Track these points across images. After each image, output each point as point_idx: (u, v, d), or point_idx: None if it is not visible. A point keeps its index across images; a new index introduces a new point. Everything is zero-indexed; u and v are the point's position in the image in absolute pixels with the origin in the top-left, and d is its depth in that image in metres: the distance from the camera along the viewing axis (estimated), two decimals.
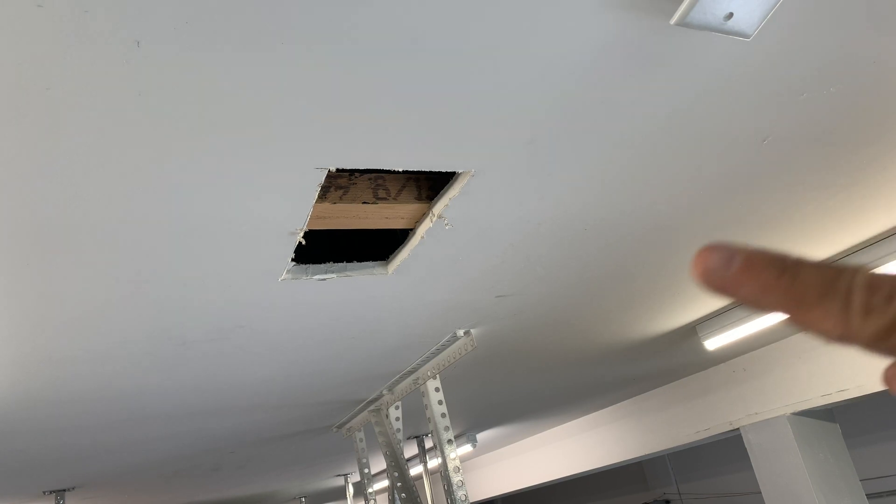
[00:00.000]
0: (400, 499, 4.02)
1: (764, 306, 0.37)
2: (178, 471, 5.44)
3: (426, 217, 1.96)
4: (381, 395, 4.03)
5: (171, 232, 1.71)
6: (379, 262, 2.22)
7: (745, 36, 1.29)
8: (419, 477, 6.23)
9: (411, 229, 2.04)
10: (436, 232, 1.99)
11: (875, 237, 2.92)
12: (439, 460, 3.35)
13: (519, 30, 1.25)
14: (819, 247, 2.88)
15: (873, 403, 7.41)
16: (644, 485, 11.44)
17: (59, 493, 5.12)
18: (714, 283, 0.38)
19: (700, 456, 10.12)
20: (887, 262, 2.93)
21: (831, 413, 4.92)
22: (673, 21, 1.22)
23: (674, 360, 4.72)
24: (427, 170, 1.65)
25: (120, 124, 1.28)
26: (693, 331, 3.88)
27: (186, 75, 1.19)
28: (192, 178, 1.50)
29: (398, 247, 2.14)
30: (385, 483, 6.68)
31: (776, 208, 2.34)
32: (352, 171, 1.73)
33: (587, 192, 1.94)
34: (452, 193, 1.81)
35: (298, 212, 1.72)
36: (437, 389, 3.42)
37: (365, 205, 1.85)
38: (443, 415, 3.37)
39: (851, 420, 6.69)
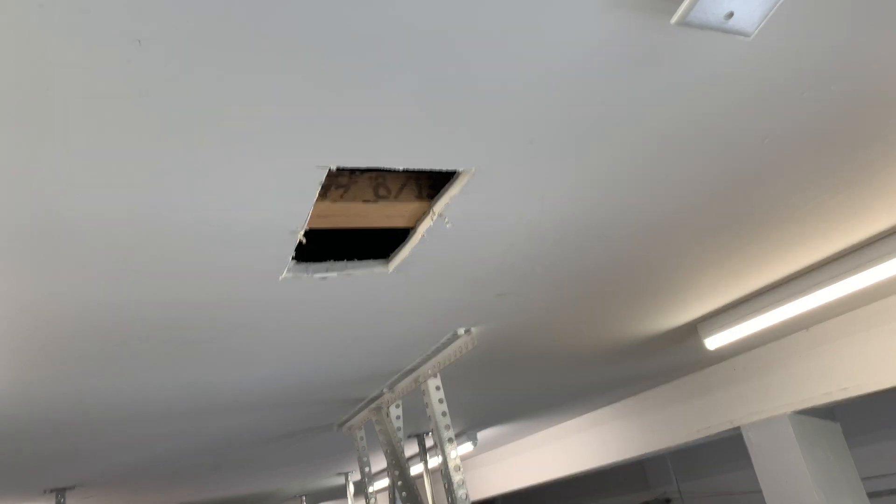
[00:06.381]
0: (401, 497, 4.02)
1: None
2: (178, 470, 5.45)
3: (427, 216, 1.96)
4: (381, 394, 4.04)
5: (172, 231, 1.71)
6: (380, 261, 2.22)
7: (746, 35, 1.29)
8: (420, 475, 6.23)
9: (412, 228, 2.04)
10: (436, 231, 1.99)
11: (875, 237, 2.92)
12: (440, 459, 3.35)
13: (520, 30, 1.25)
14: (819, 247, 2.88)
15: (874, 402, 7.39)
16: (645, 483, 11.45)
17: (60, 492, 5.12)
18: None
19: (700, 455, 10.12)
20: (887, 261, 2.93)
21: (832, 412, 4.91)
22: (673, 20, 1.22)
23: (674, 358, 4.72)
24: (428, 168, 1.65)
25: (120, 124, 1.29)
26: (693, 329, 3.88)
27: (187, 75, 1.19)
28: (192, 177, 1.50)
29: (399, 245, 2.14)
30: (386, 482, 6.68)
31: (776, 208, 2.34)
32: (352, 170, 1.73)
33: (587, 191, 1.94)
34: (453, 192, 1.81)
35: (299, 210, 1.73)
36: (437, 388, 3.42)
37: (366, 203, 1.85)
38: (443, 413, 3.37)
39: (852, 419, 6.68)
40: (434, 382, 3.42)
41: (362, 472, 4.87)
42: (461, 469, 3.30)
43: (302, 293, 2.26)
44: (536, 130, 1.58)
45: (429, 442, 5.82)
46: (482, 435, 6.79)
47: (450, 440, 3.33)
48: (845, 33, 1.48)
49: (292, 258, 1.99)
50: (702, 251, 2.61)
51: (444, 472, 3.33)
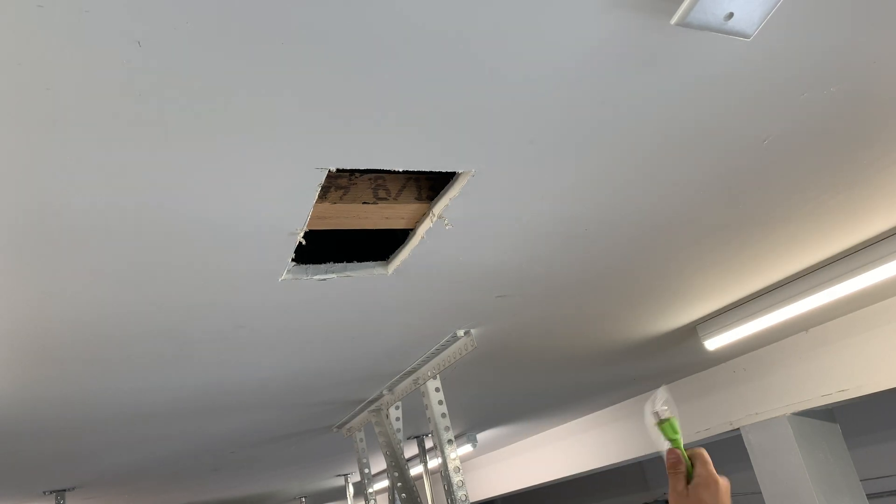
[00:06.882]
0: (400, 499, 4.02)
1: None
2: (177, 471, 5.44)
3: (426, 217, 1.96)
4: (381, 395, 4.03)
5: (171, 232, 1.71)
6: (379, 263, 2.22)
7: (746, 36, 1.29)
8: (419, 477, 6.22)
9: (411, 229, 2.04)
10: (436, 232, 1.99)
11: (875, 237, 2.92)
12: (439, 460, 3.34)
13: (520, 29, 1.25)
14: (819, 247, 2.88)
15: (874, 403, 7.39)
16: (644, 485, 11.44)
17: (60, 493, 5.11)
18: None
19: None
20: (887, 262, 2.93)
21: (832, 413, 4.91)
22: (673, 21, 1.22)
23: (674, 360, 4.72)
24: (427, 170, 1.65)
25: (120, 124, 1.28)
26: (693, 331, 3.88)
27: (187, 75, 1.19)
28: (192, 178, 1.50)
29: (398, 247, 2.14)
30: (385, 483, 6.68)
31: (776, 208, 2.34)
32: (352, 172, 1.73)
33: (588, 192, 1.94)
34: (453, 193, 1.81)
35: (298, 212, 1.72)
36: (437, 389, 3.42)
37: (365, 205, 1.85)
38: (443, 415, 3.37)
39: (852, 420, 6.68)
40: (434, 384, 3.42)
41: (362, 473, 4.87)
42: (461, 470, 3.30)
43: (301, 294, 2.26)
44: (536, 131, 1.58)
45: (428, 443, 5.82)
46: (482, 436, 6.79)
47: (449, 441, 3.33)
48: (845, 33, 1.48)
49: (292, 259, 1.99)
50: (701, 252, 2.61)
51: (443, 474, 3.32)
